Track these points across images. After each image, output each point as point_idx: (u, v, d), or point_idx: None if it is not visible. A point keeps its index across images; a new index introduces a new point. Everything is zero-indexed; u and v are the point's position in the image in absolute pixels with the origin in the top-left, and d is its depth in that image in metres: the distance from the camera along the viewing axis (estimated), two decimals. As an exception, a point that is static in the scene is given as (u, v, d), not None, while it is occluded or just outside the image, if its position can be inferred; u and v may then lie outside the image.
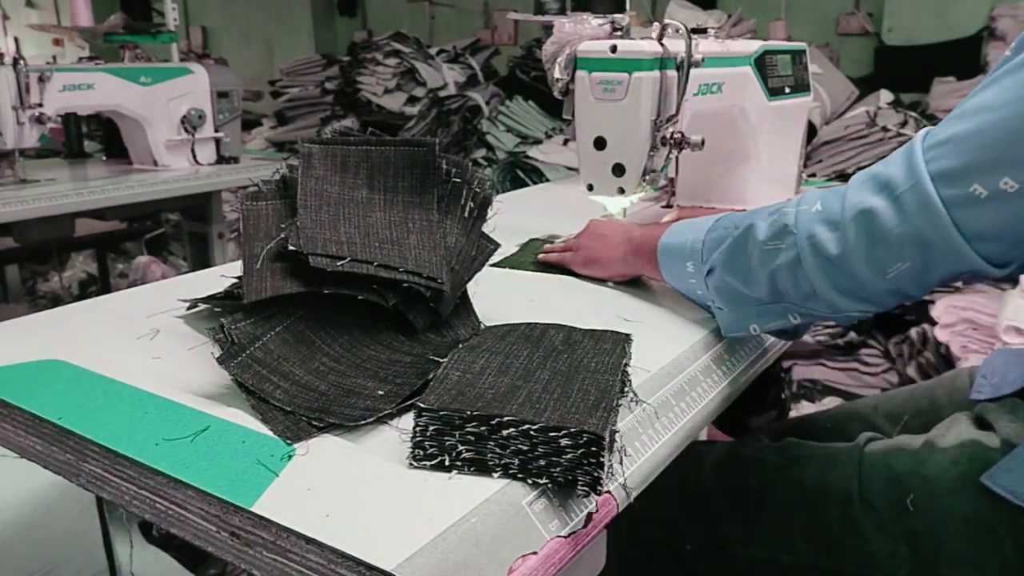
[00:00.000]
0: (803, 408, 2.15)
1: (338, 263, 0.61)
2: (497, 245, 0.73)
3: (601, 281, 0.90)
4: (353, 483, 0.48)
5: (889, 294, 0.66)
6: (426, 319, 0.65)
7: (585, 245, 0.94)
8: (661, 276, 0.83)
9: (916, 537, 0.76)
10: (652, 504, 0.88)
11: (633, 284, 0.90)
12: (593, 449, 0.48)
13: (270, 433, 0.53)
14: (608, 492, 0.50)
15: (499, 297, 0.75)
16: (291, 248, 0.61)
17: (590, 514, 0.49)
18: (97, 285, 3.12)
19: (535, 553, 0.45)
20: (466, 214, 0.70)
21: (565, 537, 0.47)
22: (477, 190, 0.71)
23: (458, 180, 0.70)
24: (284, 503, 0.45)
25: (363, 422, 0.53)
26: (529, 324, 0.68)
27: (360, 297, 0.62)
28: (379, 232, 0.65)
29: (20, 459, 0.59)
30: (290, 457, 0.50)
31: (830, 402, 2.21)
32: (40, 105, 1.90)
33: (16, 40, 1.94)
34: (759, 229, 0.70)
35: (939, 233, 0.60)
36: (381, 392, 0.57)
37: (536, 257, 0.98)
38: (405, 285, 0.62)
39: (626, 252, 0.88)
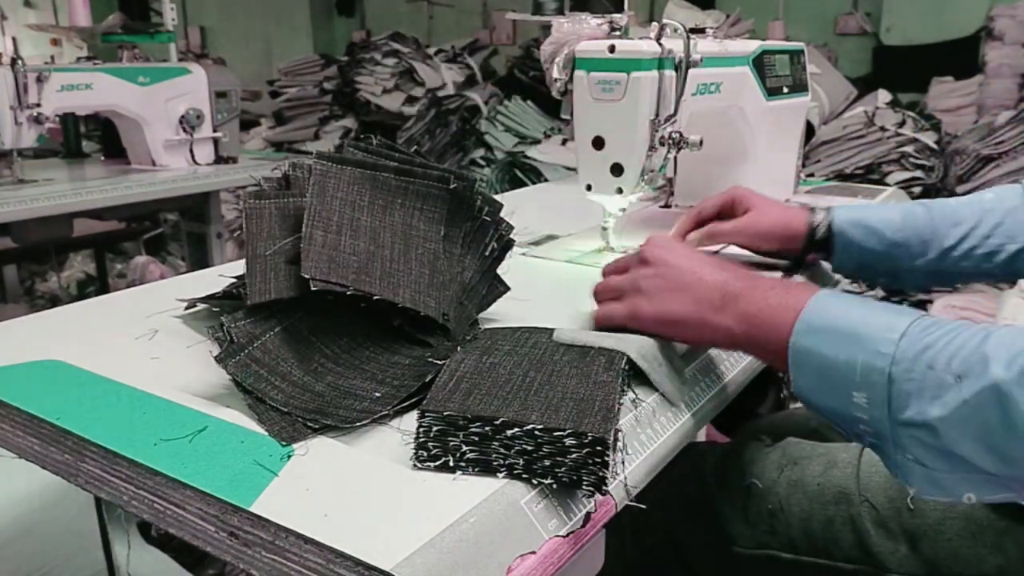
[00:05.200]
0: (802, 408, 2.14)
1: (347, 291, 0.60)
2: (507, 288, 0.74)
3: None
4: (352, 483, 0.48)
5: None
6: (435, 340, 0.65)
7: (651, 292, 0.68)
8: (791, 382, 0.62)
9: (916, 535, 0.76)
10: (653, 504, 0.88)
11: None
12: (598, 448, 0.48)
13: (269, 433, 0.53)
14: (607, 492, 0.50)
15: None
16: (304, 276, 0.60)
17: (589, 514, 0.49)
18: (95, 285, 3.11)
19: (534, 553, 0.45)
20: (487, 253, 0.71)
21: (564, 537, 0.47)
22: (503, 232, 0.72)
23: (487, 219, 0.71)
24: (283, 503, 0.45)
25: (358, 424, 0.53)
26: (528, 327, 0.68)
27: (363, 304, 0.62)
28: (394, 258, 0.65)
29: (18, 459, 0.59)
30: (289, 457, 0.50)
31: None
32: (38, 105, 1.90)
33: (14, 40, 1.94)
34: (1016, 400, 0.51)
35: None
36: (378, 394, 0.57)
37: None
38: (411, 313, 0.63)
39: (728, 323, 0.64)
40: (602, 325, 0.70)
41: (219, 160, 2.30)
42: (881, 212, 0.92)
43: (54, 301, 3.03)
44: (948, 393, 0.54)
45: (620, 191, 0.94)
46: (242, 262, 0.64)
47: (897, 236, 0.89)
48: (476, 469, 0.49)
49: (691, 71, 0.91)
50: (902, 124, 2.59)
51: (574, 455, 0.48)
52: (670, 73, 0.90)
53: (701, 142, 0.92)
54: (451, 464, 0.49)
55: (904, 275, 0.91)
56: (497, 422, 0.49)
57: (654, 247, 0.70)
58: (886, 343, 0.56)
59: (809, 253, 0.92)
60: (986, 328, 0.56)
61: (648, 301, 0.68)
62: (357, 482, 0.48)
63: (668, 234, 0.92)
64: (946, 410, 0.54)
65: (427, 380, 0.56)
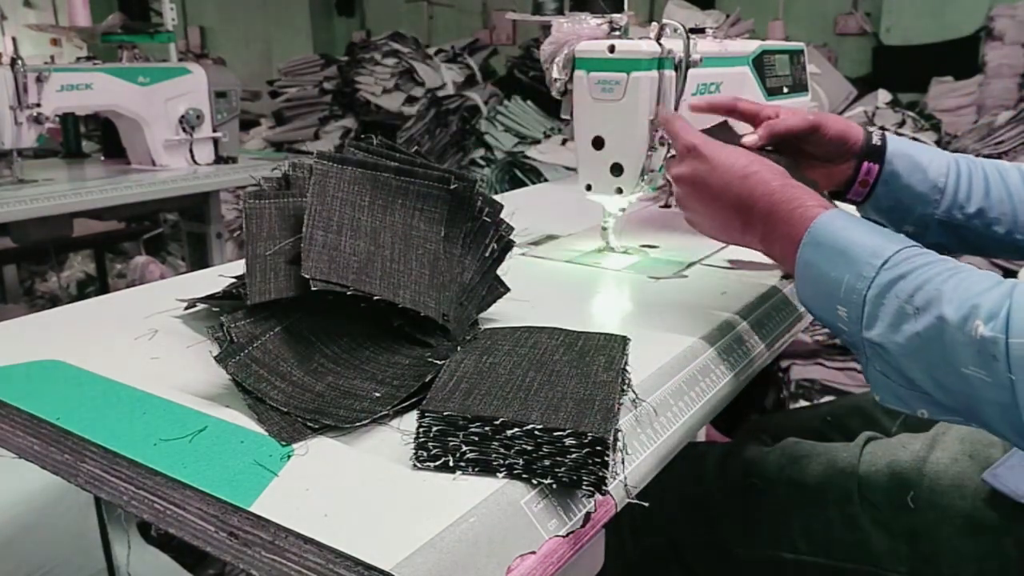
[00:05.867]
0: (802, 407, 2.14)
1: (347, 291, 0.60)
2: (507, 289, 0.74)
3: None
4: (352, 483, 0.48)
5: None
6: (435, 340, 0.65)
7: (685, 200, 0.79)
8: (795, 287, 0.72)
9: (916, 535, 0.76)
10: (653, 504, 0.88)
11: (627, 282, 0.90)
12: (598, 448, 0.48)
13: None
14: (607, 492, 0.50)
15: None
16: (304, 275, 0.60)
17: (588, 514, 0.49)
18: (95, 285, 3.11)
19: (533, 553, 0.45)
20: (487, 254, 0.71)
21: (563, 537, 0.47)
22: (503, 233, 0.72)
23: (488, 220, 0.71)
24: (282, 503, 0.45)
25: (358, 424, 0.53)
26: (527, 327, 0.68)
27: (363, 304, 0.62)
28: (394, 258, 0.65)
29: (18, 459, 0.59)
30: (289, 457, 0.50)
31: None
32: (38, 105, 1.90)
33: (14, 40, 1.94)
34: (956, 341, 0.56)
35: None
36: (378, 394, 0.57)
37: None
38: (411, 314, 0.63)
39: (743, 224, 0.74)
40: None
41: (219, 160, 2.30)
42: (930, 152, 0.88)
43: (54, 301, 3.03)
44: (906, 323, 0.59)
45: (620, 191, 0.94)
46: (242, 262, 0.64)
47: (940, 180, 0.85)
48: (476, 469, 0.49)
49: (691, 71, 0.91)
50: (902, 124, 2.59)
51: (574, 455, 0.48)
52: (670, 73, 0.90)
53: (701, 142, 0.92)
54: (451, 464, 0.49)
55: (934, 227, 0.87)
56: (497, 422, 0.49)
57: (691, 156, 0.78)
58: (868, 267, 0.63)
59: (862, 162, 0.87)
60: (958, 267, 0.60)
61: (683, 206, 0.81)
62: (357, 482, 0.48)
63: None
64: (902, 338, 0.60)
65: (427, 380, 0.56)
